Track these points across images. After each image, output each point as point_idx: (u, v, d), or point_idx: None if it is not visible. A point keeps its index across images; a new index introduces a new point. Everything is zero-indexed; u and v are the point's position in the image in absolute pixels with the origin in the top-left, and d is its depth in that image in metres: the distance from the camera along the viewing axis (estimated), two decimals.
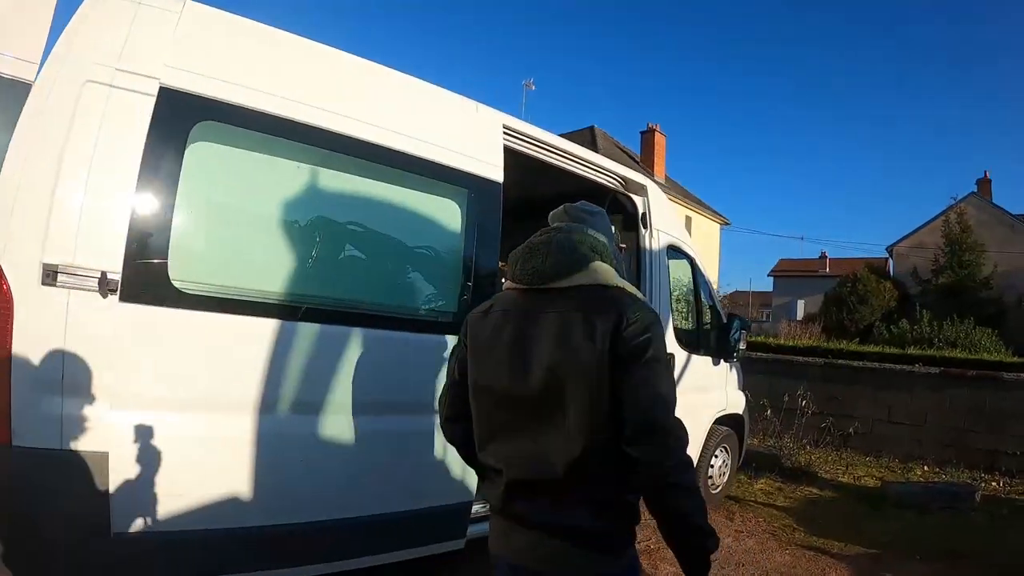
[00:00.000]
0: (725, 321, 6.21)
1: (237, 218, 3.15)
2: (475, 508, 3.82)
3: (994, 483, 7.68)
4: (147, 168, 2.67)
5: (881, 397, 9.20)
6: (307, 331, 3.10)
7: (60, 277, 2.49)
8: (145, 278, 2.67)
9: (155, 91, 2.72)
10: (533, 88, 36.98)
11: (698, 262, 6.10)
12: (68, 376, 2.51)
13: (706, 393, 5.94)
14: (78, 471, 2.53)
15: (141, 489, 2.67)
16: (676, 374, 5.26)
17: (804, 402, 8.43)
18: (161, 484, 2.72)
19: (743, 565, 4.82)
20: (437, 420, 3.23)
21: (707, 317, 6.20)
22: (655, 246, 5.28)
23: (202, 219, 2.97)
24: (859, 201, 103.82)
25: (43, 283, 2.47)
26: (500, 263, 3.75)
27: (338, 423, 3.20)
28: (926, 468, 8.30)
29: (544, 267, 1.87)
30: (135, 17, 2.73)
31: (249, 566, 2.97)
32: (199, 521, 2.80)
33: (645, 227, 5.28)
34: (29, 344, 2.46)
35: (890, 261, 34.79)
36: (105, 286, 2.56)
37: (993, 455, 8.24)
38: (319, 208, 3.32)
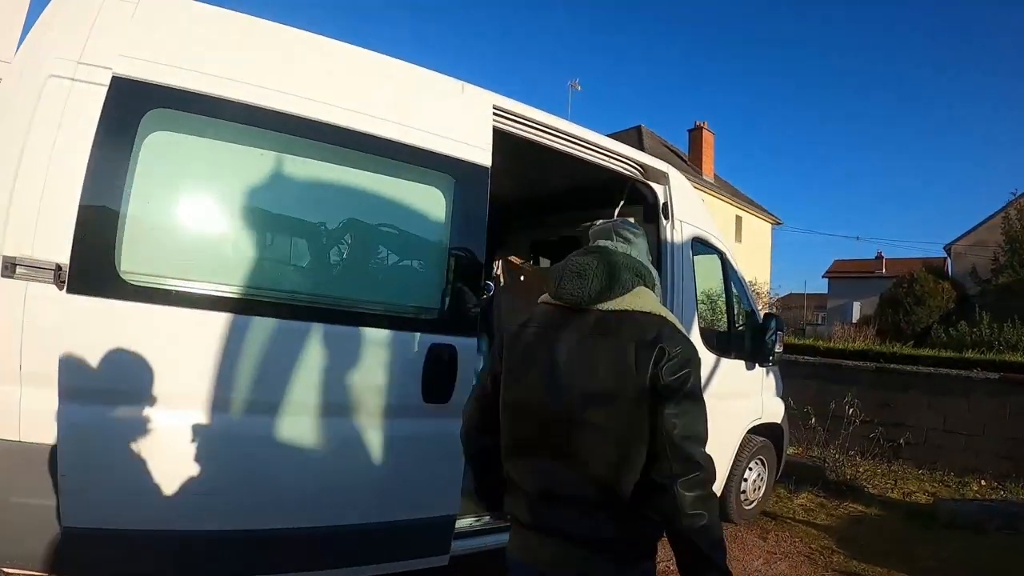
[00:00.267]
0: (761, 322, 5.73)
1: (193, 208, 3.04)
2: (462, 523, 3.64)
3: None
4: (97, 159, 2.65)
5: (936, 404, 8.56)
6: (266, 326, 2.96)
7: (19, 270, 2.53)
8: (93, 270, 2.64)
9: (108, 81, 2.69)
10: (579, 89, 36.79)
11: (729, 257, 5.67)
12: (25, 367, 2.55)
13: (738, 400, 5.52)
14: (30, 462, 2.58)
15: (92, 484, 2.67)
16: (702, 378, 4.88)
17: (852, 409, 7.76)
18: (112, 480, 2.71)
19: None
20: (415, 426, 3.27)
21: (740, 317, 5.75)
22: (678, 239, 4.87)
23: (155, 209, 2.87)
24: (917, 197, 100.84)
25: (3, 275, 2.52)
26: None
27: (301, 425, 3.05)
28: (983, 483, 7.68)
29: (588, 289, 1.89)
30: (100, 11, 2.73)
31: (204, 573, 2.96)
32: (149, 521, 2.77)
33: (666, 218, 4.86)
34: None
35: (948, 260, 33.50)
36: (59, 278, 2.57)
37: None
38: (283, 197, 3.21)
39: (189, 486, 2.81)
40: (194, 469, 2.82)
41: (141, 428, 2.73)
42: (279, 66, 3.12)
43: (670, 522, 1.77)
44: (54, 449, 2.59)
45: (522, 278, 6.68)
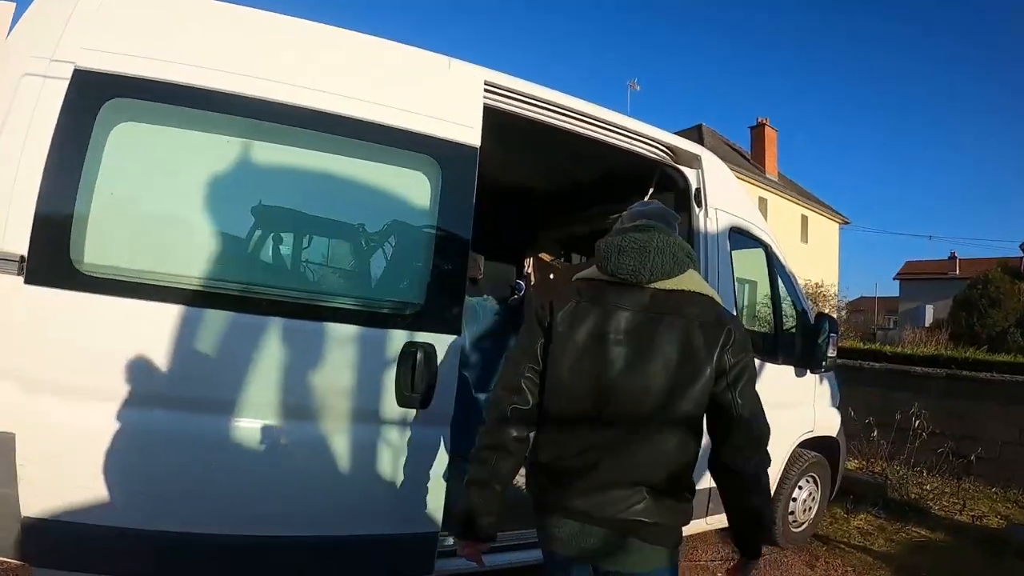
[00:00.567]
0: (813, 323, 5.15)
1: (154, 199, 3.00)
2: (449, 540, 3.35)
3: None
4: (56, 150, 2.66)
5: (1012, 415, 7.74)
6: (223, 320, 2.86)
7: None
8: (48, 261, 2.64)
9: (70, 75, 2.71)
10: (638, 88, 36.23)
11: (775, 249, 5.09)
12: None
13: (786, 411, 4.86)
14: None
15: (49, 476, 2.66)
16: None
17: (919, 421, 7.02)
18: (68, 473, 2.69)
19: None
20: (388, 433, 3.10)
21: (789, 318, 5.19)
22: (712, 228, 4.37)
23: (112, 200, 2.82)
24: (993, 194, 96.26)
25: None
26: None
27: (260, 427, 2.91)
28: None
29: (651, 266, 1.95)
30: (74, 8, 2.76)
31: (158, 573, 2.92)
32: (103, 516, 2.70)
33: (699, 205, 4.38)
34: None
35: None
36: (22, 270, 2.59)
37: None
38: (248, 186, 3.12)
39: (143, 484, 2.76)
40: (148, 467, 2.76)
41: (93, 422, 2.68)
42: (242, 49, 3.03)
43: (732, 491, 2.01)
44: (9, 437, 2.59)
45: (552, 276, 6.47)
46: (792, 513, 5.18)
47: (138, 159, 2.91)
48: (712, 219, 4.39)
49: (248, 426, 2.87)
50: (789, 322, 5.18)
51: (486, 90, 3.53)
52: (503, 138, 4.71)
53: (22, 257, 2.57)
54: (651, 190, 4.99)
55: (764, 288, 5.20)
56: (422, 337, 3.12)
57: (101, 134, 2.74)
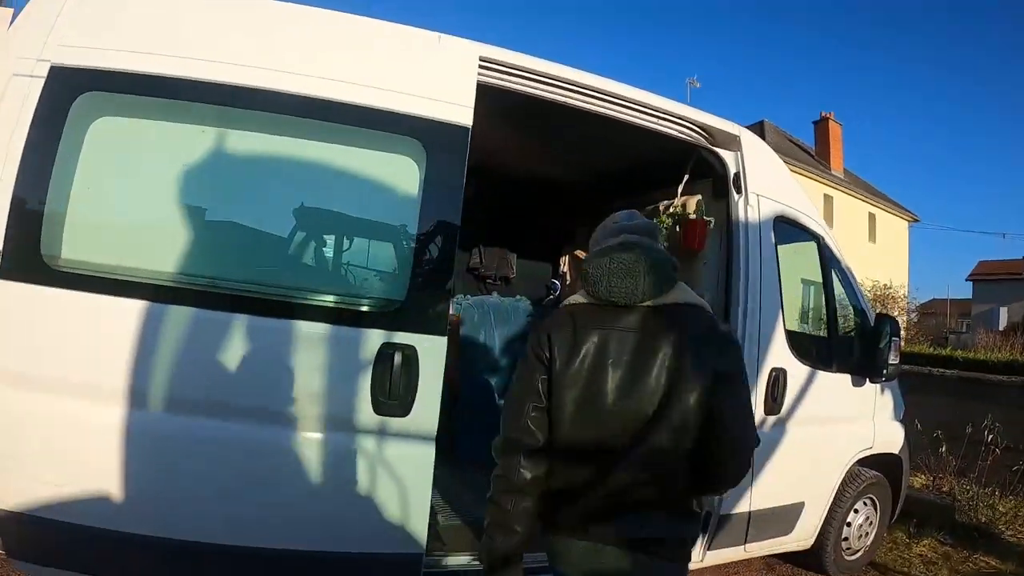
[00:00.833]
0: (873, 325, 4.65)
1: (125, 191, 2.99)
2: (434, 564, 3.28)
3: None
4: (31, 146, 2.70)
5: None
6: (188, 317, 2.78)
7: None
8: (19, 256, 2.67)
9: (46, 72, 2.76)
10: (698, 86, 35.36)
11: (828, 241, 4.58)
12: None
13: (841, 425, 4.51)
14: None
15: (16, 468, 2.69)
16: (790, 397, 4.01)
17: (992, 434, 6.32)
18: (33, 467, 2.70)
19: None
20: (364, 443, 2.92)
21: (845, 320, 4.74)
22: (753, 217, 3.95)
23: (82, 194, 2.81)
24: None
25: None
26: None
27: (225, 428, 2.78)
28: None
29: (643, 287, 1.96)
30: (62, 9, 2.81)
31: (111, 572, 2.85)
32: (68, 513, 2.69)
33: (738, 192, 3.97)
34: None
35: None
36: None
37: None
38: (223, 176, 3.06)
39: (97, 481, 2.71)
40: (106, 464, 2.70)
41: (52, 416, 2.68)
42: (213, 35, 2.97)
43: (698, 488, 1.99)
44: None
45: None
46: (846, 539, 4.69)
47: (117, 154, 2.93)
48: (753, 207, 3.98)
49: (211, 428, 2.76)
50: (845, 324, 4.74)
51: (485, 67, 3.31)
52: (527, 126, 4.54)
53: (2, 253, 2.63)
54: (686, 177, 4.72)
55: (816, 283, 4.71)
56: (402, 338, 2.92)
57: (77, 129, 2.76)
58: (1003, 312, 37.36)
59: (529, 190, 6.01)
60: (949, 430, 6.63)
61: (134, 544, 2.72)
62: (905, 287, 29.47)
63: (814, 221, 4.51)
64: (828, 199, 27.65)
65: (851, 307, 4.77)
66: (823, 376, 4.25)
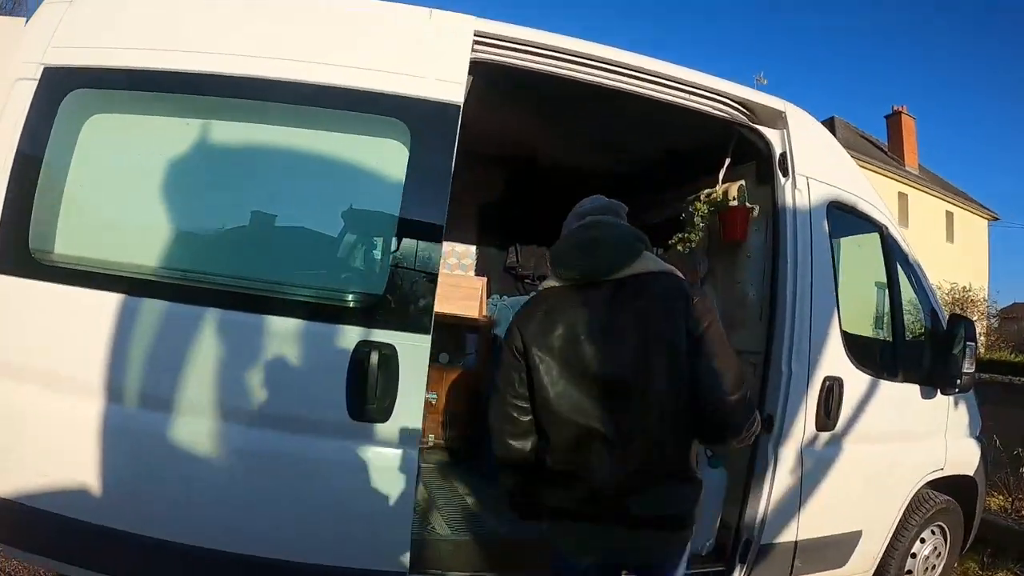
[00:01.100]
0: (945, 328, 4.16)
1: (109, 186, 3.05)
2: None
3: None
4: (22, 145, 2.80)
5: None
6: (159, 311, 2.78)
7: None
8: (8, 249, 2.77)
9: (40, 74, 2.87)
10: (765, 83, 34.45)
11: (893, 231, 4.08)
12: None
13: (908, 443, 4.06)
14: None
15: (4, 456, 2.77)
16: (847, 410, 3.61)
17: None
18: (17, 455, 2.77)
19: None
20: (339, 449, 2.79)
21: (913, 322, 4.37)
22: (802, 202, 3.54)
23: (69, 189, 2.90)
24: None
25: None
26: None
27: (193, 427, 2.74)
28: None
29: (604, 262, 2.05)
30: (64, 14, 2.92)
31: (103, 568, 2.84)
32: (51, 504, 2.73)
33: (784, 174, 3.60)
34: None
35: None
36: None
37: None
38: (205, 169, 3.08)
39: (70, 473, 2.75)
40: (77, 457, 2.74)
41: (44, 411, 2.73)
42: (199, 27, 3.00)
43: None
44: None
45: None
46: (909, 573, 4.20)
47: (89, 147, 2.93)
48: (803, 191, 3.57)
49: (182, 426, 2.75)
50: (913, 327, 4.35)
51: (481, 42, 3.16)
52: (555, 112, 4.45)
53: None
54: (727, 161, 4.32)
55: (879, 280, 4.23)
56: (380, 336, 2.77)
57: (69, 127, 2.84)
58: None
59: (565, 182, 5.70)
60: None
61: (106, 537, 2.72)
62: (985, 290, 28.63)
63: (876, 208, 4.03)
64: (903, 197, 27.14)
65: (920, 307, 4.33)
66: (886, 386, 3.84)
